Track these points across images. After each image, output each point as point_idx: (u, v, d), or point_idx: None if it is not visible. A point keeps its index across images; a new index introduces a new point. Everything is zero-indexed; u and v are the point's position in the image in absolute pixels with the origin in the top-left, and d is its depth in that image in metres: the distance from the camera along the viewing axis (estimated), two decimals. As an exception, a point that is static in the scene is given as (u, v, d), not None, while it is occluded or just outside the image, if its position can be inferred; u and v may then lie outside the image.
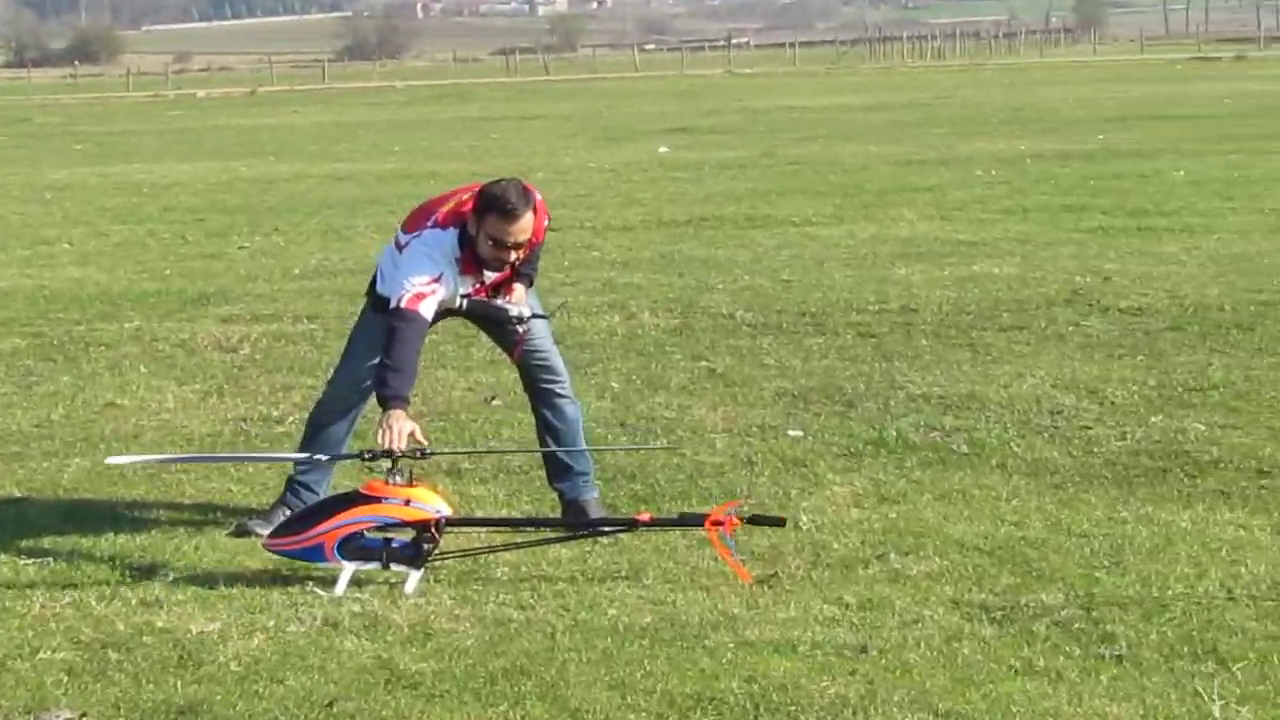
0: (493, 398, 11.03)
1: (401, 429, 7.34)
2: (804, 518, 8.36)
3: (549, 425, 8.31)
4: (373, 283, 8.17)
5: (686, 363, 12.01)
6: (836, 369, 11.69)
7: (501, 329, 8.12)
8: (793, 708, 6.11)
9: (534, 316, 8.06)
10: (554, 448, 8.31)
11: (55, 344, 13.31)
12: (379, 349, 7.68)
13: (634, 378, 11.60)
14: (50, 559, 7.87)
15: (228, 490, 9.11)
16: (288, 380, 11.78)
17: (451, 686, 6.38)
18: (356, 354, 8.17)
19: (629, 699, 6.23)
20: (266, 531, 7.82)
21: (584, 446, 8.46)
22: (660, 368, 11.87)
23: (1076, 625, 6.83)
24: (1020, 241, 17.75)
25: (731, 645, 6.73)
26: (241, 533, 8.17)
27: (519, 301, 8.03)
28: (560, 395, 8.27)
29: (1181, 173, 24.04)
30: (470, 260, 7.76)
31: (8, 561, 7.86)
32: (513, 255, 7.76)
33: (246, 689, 6.40)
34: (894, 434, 9.89)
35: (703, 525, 7.54)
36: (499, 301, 7.99)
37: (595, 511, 8.31)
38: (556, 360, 8.29)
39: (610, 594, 7.34)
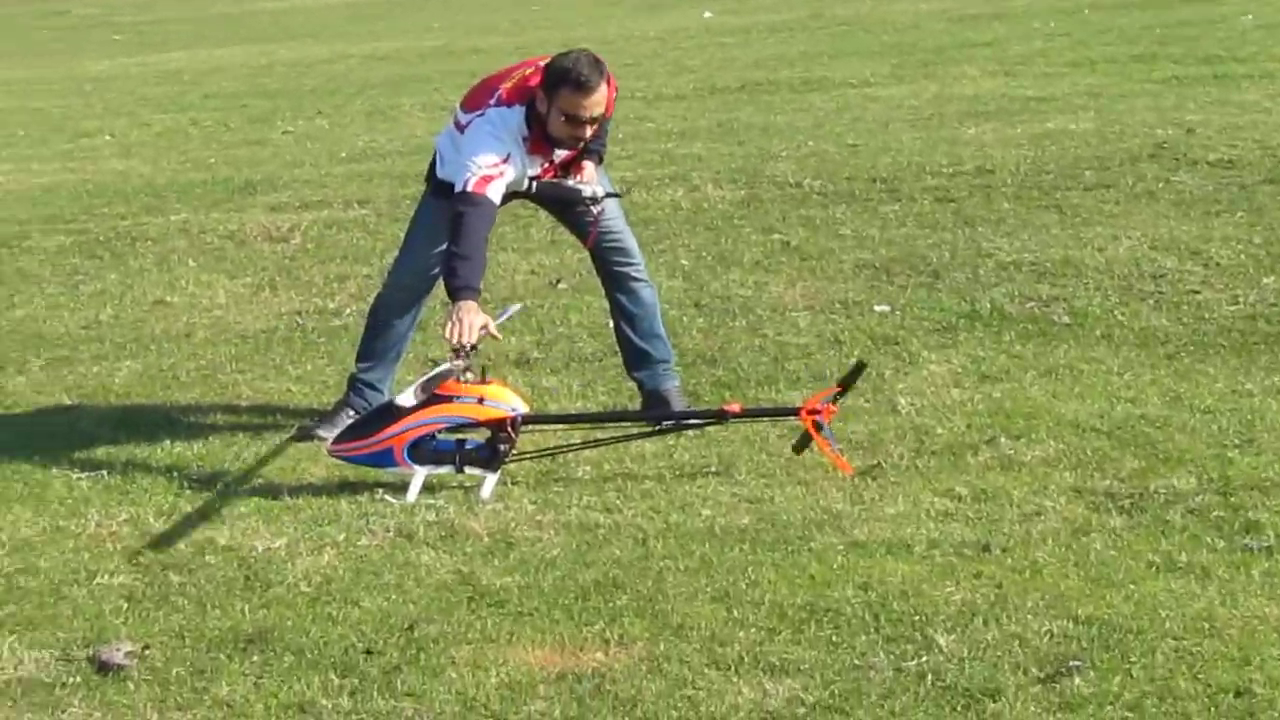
0: (558, 281, 10.48)
1: (473, 322, 6.80)
2: (901, 400, 7.83)
3: (624, 311, 7.78)
4: (431, 166, 7.61)
5: (758, 236, 11.43)
6: (917, 237, 11.09)
7: (573, 211, 7.58)
8: (917, 617, 5.59)
9: (607, 195, 7.49)
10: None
11: (101, 240, 12.79)
12: (441, 237, 7.14)
13: (704, 254, 11.03)
14: (104, 472, 7.39)
15: (286, 390, 8.62)
16: (342, 270, 11.26)
17: (540, 603, 5.88)
18: (417, 243, 7.63)
19: (735, 612, 5.72)
20: (331, 436, 7.30)
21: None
22: (731, 242, 11.29)
23: (1215, 513, 6.29)
24: (1092, 95, 17.02)
25: (840, 547, 6.21)
26: (304, 437, 7.68)
27: (590, 181, 7.48)
28: (636, 279, 7.74)
29: (1250, 17, 23.19)
30: (539, 139, 7.19)
31: (60, 476, 7.40)
32: (587, 131, 7.19)
33: (319, 612, 5.92)
34: (987, 305, 9.33)
35: (797, 415, 7.01)
36: (570, 182, 7.43)
37: (677, 401, 7.79)
38: (630, 241, 7.75)
39: (702, 492, 6.83)
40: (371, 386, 7.80)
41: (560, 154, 7.33)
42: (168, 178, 15.94)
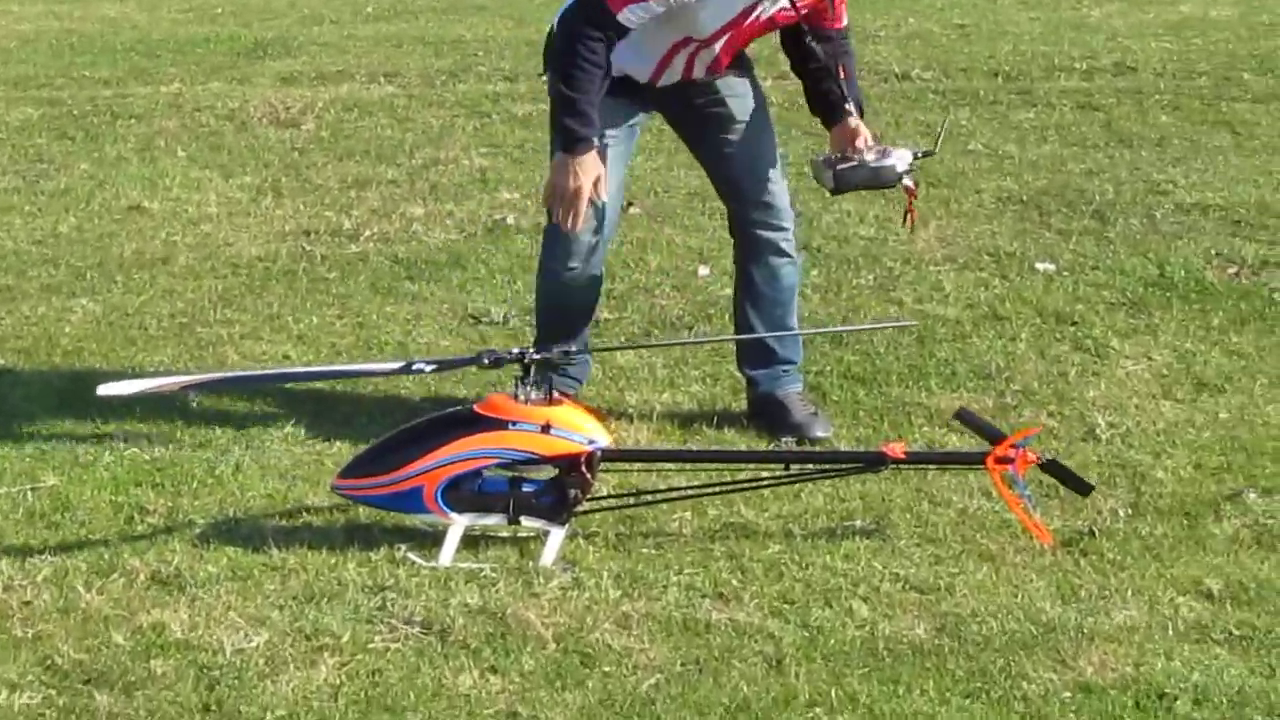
0: (629, 205, 8.34)
1: (583, 181, 5.30)
2: (1099, 419, 5.87)
3: (754, 290, 5.82)
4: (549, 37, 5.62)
5: (868, 148, 9.29)
6: (1066, 160, 9.04)
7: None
8: None
9: (924, 155, 5.81)
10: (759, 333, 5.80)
11: (75, 115, 10.68)
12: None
13: (805, 171, 8.90)
14: (26, 490, 5.42)
15: (284, 357, 6.66)
16: (362, 171, 9.19)
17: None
18: None
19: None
20: None
21: (797, 330, 5.91)
22: (836, 155, 9.17)
23: None
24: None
25: (1065, 693, 4.27)
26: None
27: (878, 146, 5.68)
28: (780, 251, 5.79)
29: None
30: None
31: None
32: None
33: (307, 784, 3.94)
34: (1180, 270, 7.30)
35: (982, 464, 5.01)
36: (870, 160, 5.58)
37: (799, 413, 5.80)
38: (782, 195, 5.71)
39: (851, 571, 4.93)
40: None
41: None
42: (165, 30, 13.80)
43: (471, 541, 5.06)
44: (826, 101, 5.61)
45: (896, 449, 5.14)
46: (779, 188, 5.69)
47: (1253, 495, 5.29)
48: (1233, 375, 6.24)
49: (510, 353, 5.08)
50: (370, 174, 9.10)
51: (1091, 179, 8.65)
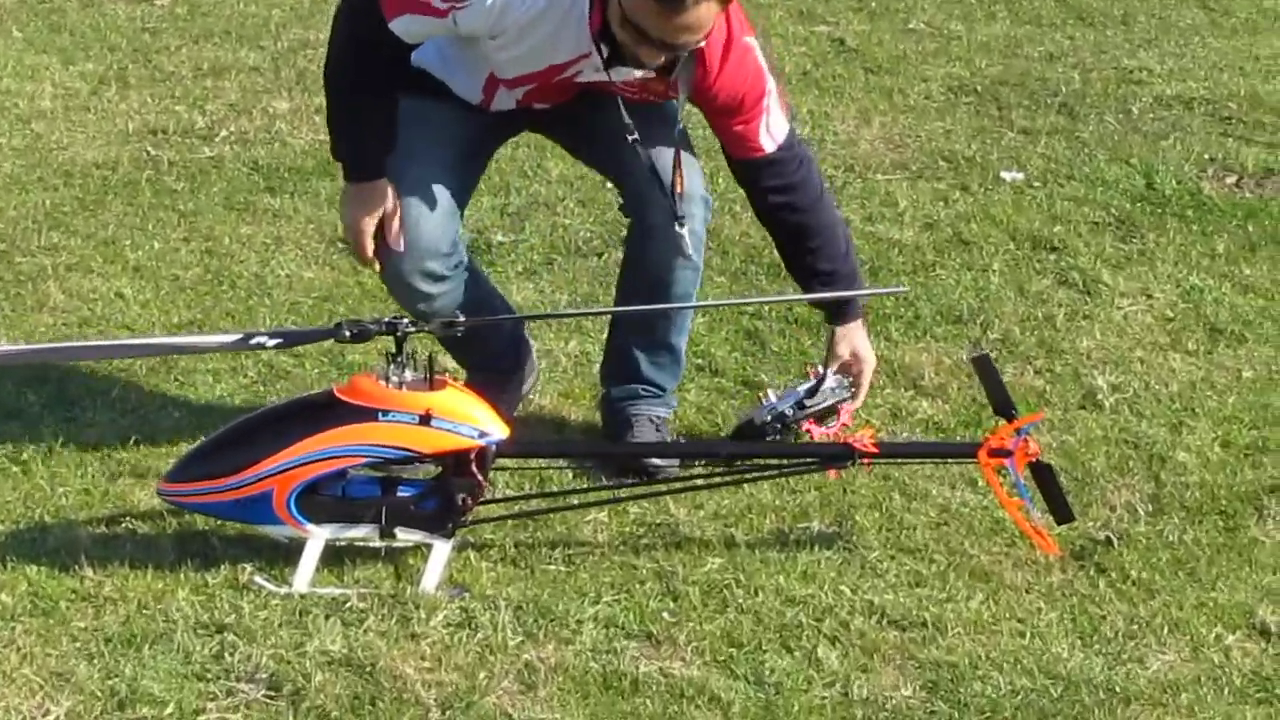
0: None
1: (362, 220, 4.19)
2: (1099, 380, 4.86)
3: (638, 289, 4.53)
4: None
5: (798, 27, 8.22)
6: (1021, 41, 8.00)
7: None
8: None
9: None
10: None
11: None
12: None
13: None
14: None
15: (115, 299, 5.54)
16: (220, 56, 7.97)
17: None
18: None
19: None
20: None
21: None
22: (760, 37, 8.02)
23: None
24: None
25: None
26: None
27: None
28: (678, 251, 4.35)
29: None
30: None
31: None
32: (659, 57, 3.99)
33: None
34: (1171, 180, 6.34)
35: (974, 456, 3.99)
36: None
37: (647, 435, 4.59)
38: (695, 177, 4.37)
39: (812, 600, 3.96)
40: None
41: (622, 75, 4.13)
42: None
43: (334, 558, 4.00)
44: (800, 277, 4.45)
45: (865, 440, 4.11)
46: (692, 168, 4.36)
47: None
48: (1251, 319, 5.27)
49: (379, 323, 4.00)
50: (229, 59, 7.91)
51: (1053, 65, 7.61)
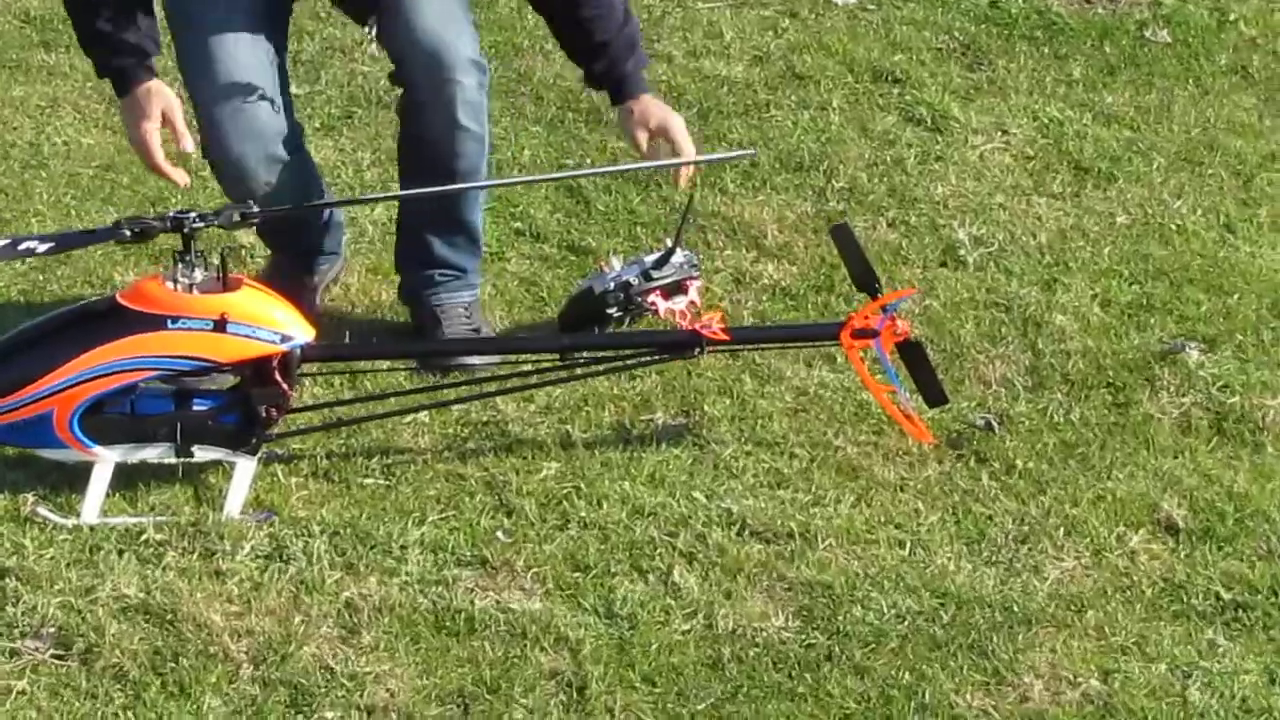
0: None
1: (147, 139, 3.72)
2: (957, 230, 4.48)
3: (420, 166, 4.03)
4: None
5: None
6: None
7: None
8: None
9: None
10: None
11: None
12: None
13: None
14: None
15: None
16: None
17: None
18: None
19: None
20: None
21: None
22: None
23: None
24: None
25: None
26: None
27: None
28: (460, 118, 3.90)
29: None
30: None
31: None
32: None
33: None
34: (1017, 1, 5.86)
35: (836, 339, 3.59)
36: None
37: (456, 331, 4.14)
38: (454, 33, 3.91)
39: (662, 510, 3.47)
40: None
41: None
42: None
43: (126, 482, 3.54)
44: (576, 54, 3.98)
45: (714, 325, 3.70)
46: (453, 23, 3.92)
47: (1194, 351, 3.99)
48: (1118, 155, 4.91)
49: (163, 219, 3.51)
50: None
51: None
